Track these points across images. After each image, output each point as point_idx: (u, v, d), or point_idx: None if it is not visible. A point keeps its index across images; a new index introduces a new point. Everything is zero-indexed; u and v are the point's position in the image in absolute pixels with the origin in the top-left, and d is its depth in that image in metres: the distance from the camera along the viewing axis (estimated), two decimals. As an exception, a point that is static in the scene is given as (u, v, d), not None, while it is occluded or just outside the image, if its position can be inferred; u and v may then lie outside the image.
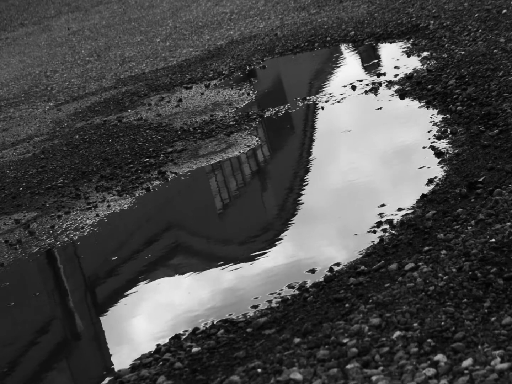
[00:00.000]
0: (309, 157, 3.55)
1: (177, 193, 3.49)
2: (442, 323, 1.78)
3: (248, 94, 4.67)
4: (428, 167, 2.87)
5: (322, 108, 4.04)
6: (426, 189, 2.67)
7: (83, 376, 2.32)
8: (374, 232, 2.49)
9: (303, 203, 3.09)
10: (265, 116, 4.14)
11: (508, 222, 2.17)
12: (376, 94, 3.94)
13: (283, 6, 7.22)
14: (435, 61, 4.04)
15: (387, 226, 2.49)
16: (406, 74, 4.02)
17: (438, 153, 2.93)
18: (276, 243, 2.75)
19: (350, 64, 4.74)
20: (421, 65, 4.10)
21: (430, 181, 2.72)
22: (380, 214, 2.61)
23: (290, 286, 2.30)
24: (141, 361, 2.11)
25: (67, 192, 3.72)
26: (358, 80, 4.25)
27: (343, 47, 5.10)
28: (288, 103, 4.29)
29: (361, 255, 2.35)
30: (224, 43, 6.37)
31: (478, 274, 1.94)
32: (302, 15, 6.52)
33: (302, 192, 3.21)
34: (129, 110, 4.97)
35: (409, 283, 2.00)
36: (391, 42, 4.87)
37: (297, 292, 2.25)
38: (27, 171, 4.19)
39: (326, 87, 4.48)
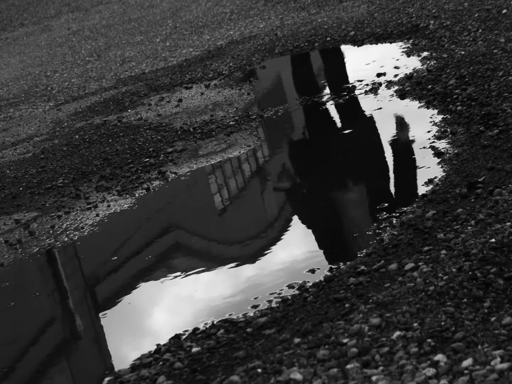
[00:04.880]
0: (309, 157, 3.54)
1: (177, 193, 3.49)
2: (442, 323, 1.78)
3: (248, 94, 4.67)
4: (428, 167, 2.87)
5: (322, 108, 4.04)
6: (426, 189, 2.67)
7: (83, 376, 2.32)
8: (374, 232, 2.49)
9: (303, 203, 3.09)
10: (265, 116, 4.14)
11: (508, 222, 2.16)
12: (376, 94, 3.94)
13: (283, 6, 7.22)
14: (435, 61, 4.04)
15: (387, 226, 2.49)
16: (406, 74, 4.02)
17: (438, 153, 2.93)
18: (276, 243, 2.75)
19: (350, 64, 4.74)
20: (421, 65, 4.10)
21: (430, 181, 2.72)
22: (380, 214, 2.61)
23: (290, 286, 2.30)
24: (141, 361, 2.11)
25: (67, 192, 3.72)
26: (358, 80, 4.25)
27: None
28: (288, 103, 4.28)
29: (361, 255, 2.35)
30: (224, 43, 6.37)
31: (478, 274, 1.94)
32: (302, 15, 6.52)
33: (302, 192, 3.21)
34: (129, 110, 4.97)
35: (409, 283, 2.00)
36: (391, 42, 4.87)
37: (297, 292, 2.25)
38: (27, 171, 4.19)
39: (326, 87, 4.48)
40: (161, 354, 2.11)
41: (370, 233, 2.50)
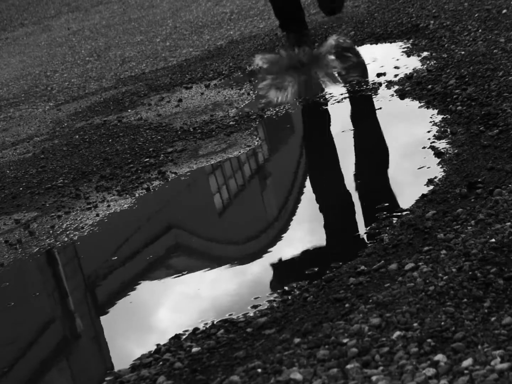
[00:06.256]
0: (309, 157, 3.54)
1: (177, 193, 3.49)
2: (442, 323, 1.78)
3: (248, 94, 4.67)
4: (428, 167, 2.86)
5: (323, 108, 4.04)
6: (426, 189, 2.67)
7: (83, 376, 2.32)
8: (374, 232, 2.49)
9: (302, 203, 3.09)
10: (265, 116, 4.14)
11: (508, 222, 2.16)
12: (376, 94, 3.94)
13: (283, 6, 7.21)
14: (435, 61, 4.04)
15: (387, 226, 2.49)
16: (406, 74, 4.02)
17: (438, 153, 2.93)
18: (276, 243, 2.75)
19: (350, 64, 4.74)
20: (421, 65, 4.10)
21: (430, 181, 2.72)
22: (380, 214, 2.61)
23: (290, 286, 2.30)
24: (141, 361, 2.11)
25: (67, 192, 3.72)
26: (358, 80, 4.25)
27: None
28: (288, 103, 4.28)
29: (361, 255, 2.35)
30: (224, 43, 6.37)
31: (478, 274, 1.94)
32: (302, 15, 6.50)
33: (302, 192, 3.21)
34: (129, 110, 4.97)
35: (409, 283, 2.00)
36: (391, 42, 4.87)
37: (297, 292, 2.25)
38: (27, 171, 4.19)
39: (326, 87, 4.47)
40: (161, 354, 2.11)
41: (370, 233, 2.49)
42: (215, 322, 2.22)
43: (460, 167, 2.73)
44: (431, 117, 3.34)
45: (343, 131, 3.69)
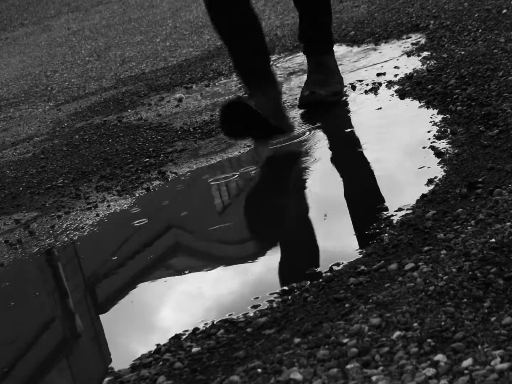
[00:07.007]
0: (309, 157, 3.54)
1: (177, 193, 3.48)
2: (442, 323, 1.78)
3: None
4: (428, 167, 2.86)
5: (322, 107, 4.03)
6: (426, 189, 2.67)
7: (83, 376, 2.32)
8: (374, 232, 2.49)
9: (302, 203, 3.09)
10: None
11: (508, 222, 2.16)
12: (376, 94, 3.93)
13: (283, 6, 7.22)
14: (435, 61, 4.04)
15: (387, 226, 2.48)
16: (406, 74, 4.02)
17: (438, 153, 2.93)
18: (276, 243, 2.75)
19: (350, 64, 4.73)
20: (421, 65, 4.10)
21: (430, 181, 2.72)
22: (380, 214, 2.61)
23: (290, 286, 2.30)
24: (141, 361, 2.11)
25: (67, 192, 3.72)
26: (358, 80, 4.25)
27: None
28: (288, 102, 4.28)
29: (361, 255, 2.35)
30: (224, 43, 6.36)
31: (478, 274, 1.93)
32: (302, 15, 6.50)
33: (302, 192, 3.20)
34: (129, 110, 4.97)
35: (409, 283, 2.00)
36: (391, 42, 4.87)
37: (297, 292, 2.25)
38: (27, 171, 4.19)
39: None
40: (161, 354, 2.11)
41: (370, 233, 2.49)
42: (215, 322, 2.22)
43: (460, 167, 2.73)
44: (431, 117, 3.34)
45: (342, 131, 3.68)
